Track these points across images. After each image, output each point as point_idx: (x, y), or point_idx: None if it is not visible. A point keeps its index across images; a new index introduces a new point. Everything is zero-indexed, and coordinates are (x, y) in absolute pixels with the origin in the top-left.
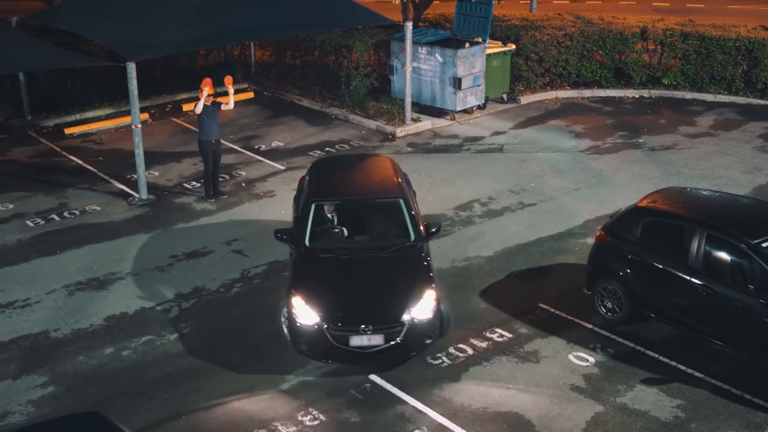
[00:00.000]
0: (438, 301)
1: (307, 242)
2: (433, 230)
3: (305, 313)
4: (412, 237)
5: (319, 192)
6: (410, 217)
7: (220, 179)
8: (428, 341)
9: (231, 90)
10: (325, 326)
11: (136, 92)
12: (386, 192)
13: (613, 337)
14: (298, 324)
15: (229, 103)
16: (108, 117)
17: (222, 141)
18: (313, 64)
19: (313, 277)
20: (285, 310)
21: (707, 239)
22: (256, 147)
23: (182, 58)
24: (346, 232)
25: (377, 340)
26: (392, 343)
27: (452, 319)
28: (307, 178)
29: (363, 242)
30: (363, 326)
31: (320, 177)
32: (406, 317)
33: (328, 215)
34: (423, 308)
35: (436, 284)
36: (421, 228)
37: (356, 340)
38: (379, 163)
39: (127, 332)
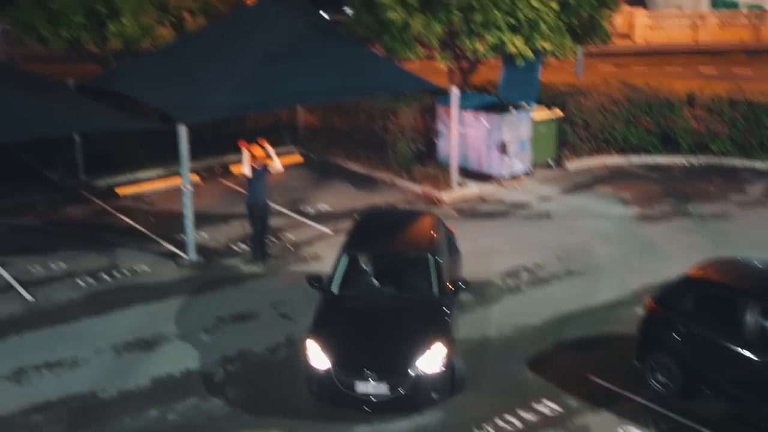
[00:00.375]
0: (449, 356)
1: (333, 289)
2: (461, 287)
3: (318, 357)
4: (435, 291)
5: (355, 243)
6: (436, 273)
7: (267, 242)
8: (435, 396)
9: (270, 149)
10: (333, 371)
11: (186, 154)
12: (416, 247)
13: (667, 413)
14: (311, 367)
15: (276, 165)
16: (159, 178)
17: (270, 204)
18: (360, 127)
19: (331, 323)
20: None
21: (762, 312)
22: (304, 210)
23: (232, 121)
24: (375, 283)
25: (382, 388)
26: (397, 393)
27: (467, 379)
28: (351, 228)
29: (387, 293)
30: (367, 373)
31: (360, 228)
32: (412, 368)
33: (363, 266)
34: (431, 361)
35: (452, 340)
36: (448, 284)
37: (362, 387)
38: (420, 220)
39: (173, 394)
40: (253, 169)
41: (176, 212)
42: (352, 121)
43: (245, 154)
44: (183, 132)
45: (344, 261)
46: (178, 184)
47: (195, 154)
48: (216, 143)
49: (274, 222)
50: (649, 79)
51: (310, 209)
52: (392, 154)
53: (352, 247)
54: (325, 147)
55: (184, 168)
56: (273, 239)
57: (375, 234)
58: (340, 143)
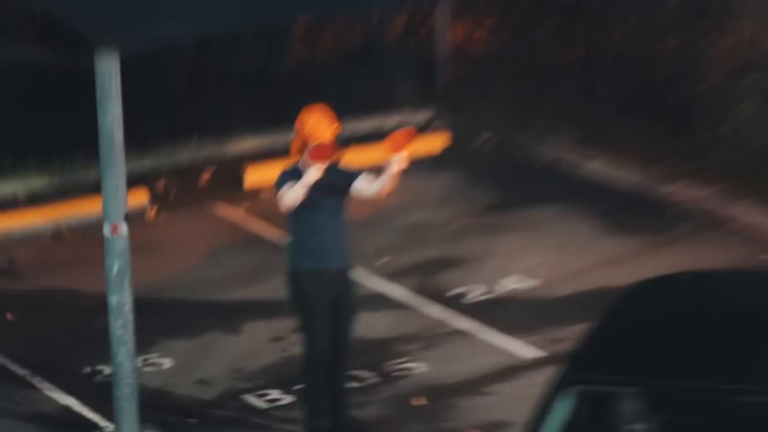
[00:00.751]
0: None
1: None
2: None
3: None
4: None
5: (605, 358)
6: None
7: (352, 383)
8: None
9: (398, 163)
10: None
11: (117, 135)
12: None
13: None
14: None
15: (381, 177)
16: (26, 202)
17: (357, 271)
18: (617, 59)
19: None
20: None
21: None
22: (453, 293)
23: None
24: None
25: None
26: None
27: None
28: (603, 323)
29: None
30: None
31: (632, 320)
32: None
33: (626, 414)
34: None
35: None
36: None
37: None
38: None
39: None
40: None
41: (79, 302)
42: (591, 43)
43: (317, 171)
44: (110, 73)
45: (564, 399)
46: (85, 217)
47: (145, 139)
48: (199, 111)
49: (368, 325)
50: None
51: (471, 290)
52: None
53: (593, 365)
54: (512, 111)
55: (111, 174)
56: (365, 374)
57: (683, 338)
58: (561, 102)
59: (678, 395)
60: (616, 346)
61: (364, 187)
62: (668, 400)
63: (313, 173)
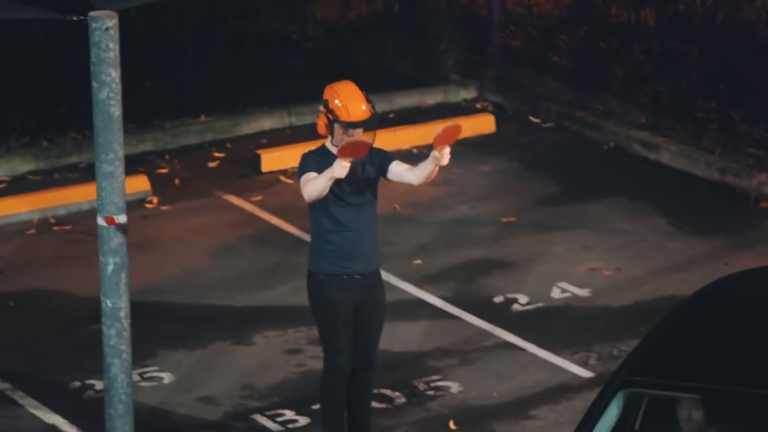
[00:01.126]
0: None
1: None
2: None
3: None
4: None
5: (662, 361)
6: None
7: (377, 404)
8: None
9: (444, 155)
10: None
11: (113, 108)
12: None
13: None
14: None
15: (421, 166)
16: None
17: (387, 275)
18: (701, 29)
19: None
20: None
21: None
22: (495, 301)
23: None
24: None
25: None
26: None
27: None
28: (663, 325)
29: None
30: None
31: (692, 322)
32: None
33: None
34: None
35: None
36: None
37: None
38: None
39: None
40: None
41: (68, 306)
42: (664, 8)
43: (345, 166)
44: (107, 36)
45: (619, 409)
46: (76, 207)
47: (146, 115)
48: (209, 82)
49: (399, 336)
50: None
51: (513, 297)
52: None
53: (647, 368)
54: (571, 87)
55: (107, 156)
56: (396, 396)
57: (750, 342)
58: (625, 76)
59: (739, 402)
60: (675, 348)
61: (401, 171)
62: (728, 407)
63: (343, 169)
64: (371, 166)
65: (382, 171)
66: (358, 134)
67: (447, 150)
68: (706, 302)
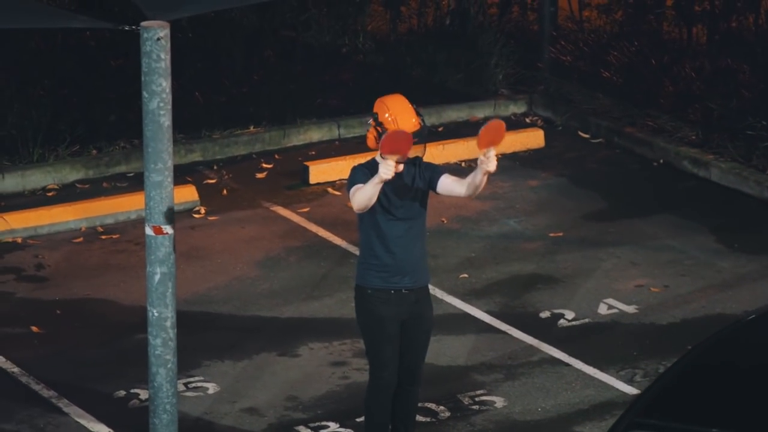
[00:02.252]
0: None
1: None
2: None
3: None
4: None
5: (677, 401)
6: None
7: (421, 417)
8: None
9: (489, 158)
10: None
11: (165, 118)
12: None
13: None
14: None
15: (472, 176)
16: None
17: (433, 288)
18: (754, 46)
19: None
20: None
21: None
22: (541, 317)
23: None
24: None
25: None
26: None
27: None
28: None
29: None
30: None
31: (715, 361)
32: None
33: None
34: None
35: None
36: None
37: None
38: None
39: None
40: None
41: (114, 315)
42: (717, 26)
43: (391, 167)
44: (159, 47)
45: None
46: (124, 216)
47: (195, 126)
48: (258, 94)
49: (444, 350)
50: None
51: (560, 312)
52: None
53: (667, 410)
54: (622, 102)
55: (156, 166)
56: (432, 409)
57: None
58: (676, 92)
59: None
60: (687, 391)
61: (449, 184)
62: None
63: (388, 169)
64: (420, 180)
65: (431, 184)
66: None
67: (492, 153)
68: (720, 346)
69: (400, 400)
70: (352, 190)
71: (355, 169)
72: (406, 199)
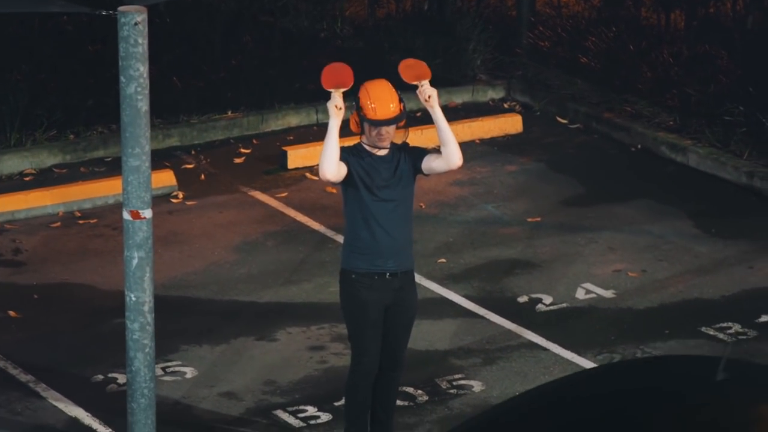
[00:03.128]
0: None
1: None
2: None
3: None
4: None
5: None
6: None
7: (400, 401)
8: None
9: (423, 90)
10: None
11: (144, 108)
12: None
13: None
14: None
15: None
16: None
17: (419, 275)
18: (732, 33)
19: None
20: None
21: None
22: (519, 301)
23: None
24: None
25: None
26: None
27: None
28: None
29: None
30: None
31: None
32: None
33: None
34: None
35: None
36: None
37: None
38: None
39: None
40: (358, 156)
41: (92, 300)
42: (696, 11)
43: (335, 102)
44: (136, 30)
45: None
46: (101, 200)
47: (173, 111)
48: (236, 79)
49: (423, 335)
50: None
51: (538, 297)
52: None
53: None
54: (599, 87)
55: (134, 151)
56: (411, 393)
57: None
58: (654, 77)
59: None
60: None
61: (431, 160)
62: None
63: (331, 104)
64: (405, 163)
65: (416, 166)
66: (388, 132)
67: (426, 83)
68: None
69: (381, 385)
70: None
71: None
72: (391, 180)
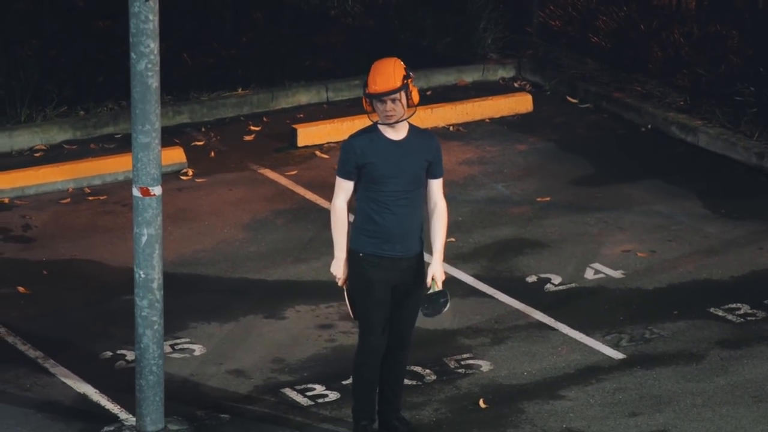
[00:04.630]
0: None
1: None
2: None
3: None
4: None
5: None
6: None
7: (408, 381)
8: None
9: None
10: None
11: (155, 85)
12: None
13: None
14: None
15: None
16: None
17: (427, 255)
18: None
19: None
20: None
21: None
22: (528, 281)
23: None
24: None
25: None
26: None
27: None
28: None
29: None
30: None
31: None
32: None
33: None
34: None
35: None
36: None
37: None
38: None
39: None
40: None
41: (101, 276)
42: None
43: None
44: (147, 5)
45: None
46: (111, 177)
47: (183, 88)
48: (246, 56)
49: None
50: None
51: (546, 277)
52: None
53: None
54: (610, 66)
55: (144, 127)
56: (419, 372)
57: None
58: (666, 57)
59: None
60: None
61: (433, 192)
62: None
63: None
64: (419, 154)
65: (428, 172)
66: (393, 108)
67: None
68: None
69: (389, 364)
70: (338, 185)
71: (351, 140)
72: (407, 170)
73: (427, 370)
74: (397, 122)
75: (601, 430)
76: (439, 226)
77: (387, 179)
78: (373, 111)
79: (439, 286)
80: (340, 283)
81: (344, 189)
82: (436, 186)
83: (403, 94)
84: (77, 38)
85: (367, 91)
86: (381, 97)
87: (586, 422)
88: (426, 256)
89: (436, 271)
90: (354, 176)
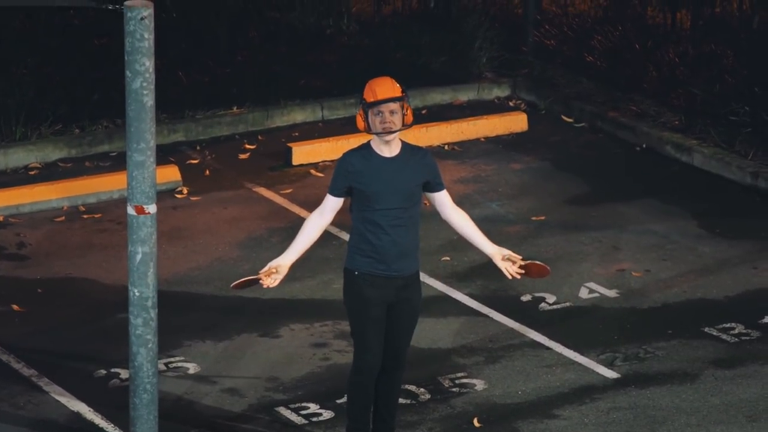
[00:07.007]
0: None
1: None
2: None
3: None
4: None
5: None
6: None
7: (402, 399)
8: None
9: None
10: None
11: (150, 103)
12: None
13: None
14: None
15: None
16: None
17: (423, 273)
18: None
19: None
20: None
21: None
22: (522, 300)
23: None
24: None
25: None
26: None
27: None
28: None
29: None
30: None
31: None
32: None
33: None
34: None
35: None
36: None
37: None
38: None
39: None
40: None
41: (95, 294)
42: (702, 10)
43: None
44: (142, 24)
45: None
46: (106, 195)
47: (178, 106)
48: (242, 75)
49: (425, 333)
50: None
51: (541, 296)
52: None
53: None
54: (605, 86)
55: (139, 146)
56: (413, 391)
57: None
58: (660, 77)
59: None
60: None
61: (446, 204)
62: None
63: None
64: (418, 173)
65: (428, 187)
66: (392, 116)
67: (515, 270)
68: None
69: (384, 383)
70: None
71: (344, 157)
72: (400, 187)
73: (422, 389)
74: (390, 133)
75: None
76: (470, 226)
77: (379, 196)
78: (368, 128)
79: (517, 259)
80: (260, 277)
81: (327, 205)
82: (444, 198)
83: (400, 106)
84: (72, 56)
85: (366, 101)
86: (381, 104)
87: None
88: (421, 275)
89: (504, 252)
90: (342, 193)
